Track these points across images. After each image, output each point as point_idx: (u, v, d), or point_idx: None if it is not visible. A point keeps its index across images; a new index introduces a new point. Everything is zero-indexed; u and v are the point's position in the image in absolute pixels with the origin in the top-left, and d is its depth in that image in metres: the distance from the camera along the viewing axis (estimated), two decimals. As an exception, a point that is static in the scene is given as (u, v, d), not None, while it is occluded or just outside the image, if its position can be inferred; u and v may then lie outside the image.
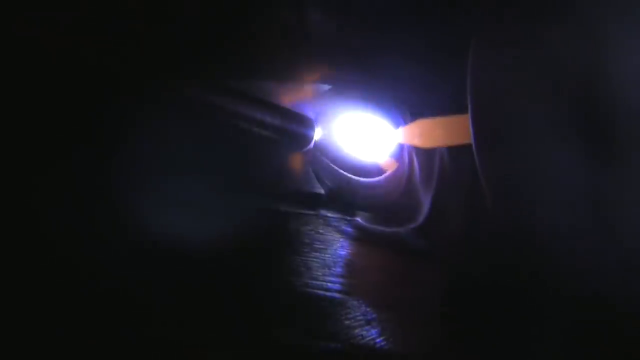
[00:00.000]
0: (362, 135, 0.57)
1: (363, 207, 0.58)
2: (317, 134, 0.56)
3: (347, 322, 0.48)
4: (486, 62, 0.40)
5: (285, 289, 0.51)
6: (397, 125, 0.52)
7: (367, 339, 0.45)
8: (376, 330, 0.46)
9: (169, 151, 0.56)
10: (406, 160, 0.53)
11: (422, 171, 0.51)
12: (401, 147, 0.54)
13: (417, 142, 0.49)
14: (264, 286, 0.51)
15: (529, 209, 0.41)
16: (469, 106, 0.41)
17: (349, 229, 0.59)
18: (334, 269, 0.54)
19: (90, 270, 0.47)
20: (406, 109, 0.51)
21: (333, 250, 0.57)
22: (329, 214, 0.62)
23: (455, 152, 0.47)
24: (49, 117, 0.55)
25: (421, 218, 0.51)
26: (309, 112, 0.56)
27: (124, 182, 0.54)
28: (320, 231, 0.60)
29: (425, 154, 0.51)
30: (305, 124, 0.55)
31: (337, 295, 0.51)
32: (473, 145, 0.41)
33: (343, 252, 0.57)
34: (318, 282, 0.52)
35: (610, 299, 0.40)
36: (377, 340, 0.45)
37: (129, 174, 0.54)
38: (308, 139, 0.55)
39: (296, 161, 0.63)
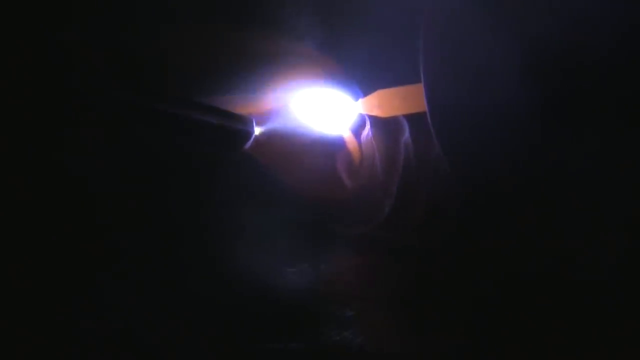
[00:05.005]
0: (322, 109, 0.58)
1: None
2: (257, 130, 0.56)
3: (331, 324, 0.49)
4: (438, 34, 0.42)
5: (272, 293, 0.52)
6: (357, 97, 0.54)
7: (350, 339, 0.47)
8: (359, 330, 0.48)
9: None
10: (369, 144, 0.55)
11: (383, 162, 0.53)
12: (361, 122, 0.56)
13: (376, 112, 0.51)
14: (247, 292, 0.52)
15: (485, 169, 0.43)
16: (422, 77, 0.43)
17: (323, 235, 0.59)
18: (316, 273, 0.55)
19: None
20: (364, 81, 0.53)
21: (313, 256, 0.57)
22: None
23: (421, 140, 0.49)
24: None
25: (386, 211, 0.53)
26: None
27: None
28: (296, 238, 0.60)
29: (387, 145, 0.52)
30: (242, 121, 0.55)
31: (318, 298, 0.52)
32: (427, 113, 0.44)
33: (322, 257, 0.58)
34: (302, 288, 0.53)
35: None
36: (360, 340, 0.47)
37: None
38: (247, 135, 0.55)
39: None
